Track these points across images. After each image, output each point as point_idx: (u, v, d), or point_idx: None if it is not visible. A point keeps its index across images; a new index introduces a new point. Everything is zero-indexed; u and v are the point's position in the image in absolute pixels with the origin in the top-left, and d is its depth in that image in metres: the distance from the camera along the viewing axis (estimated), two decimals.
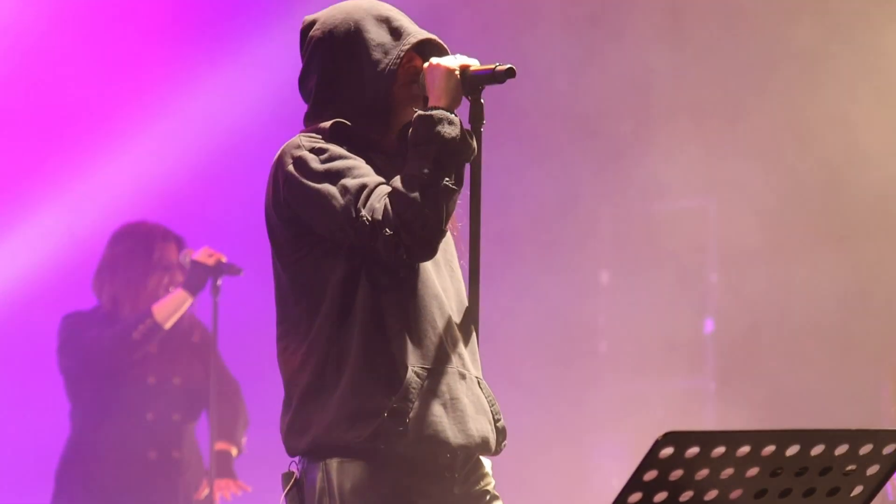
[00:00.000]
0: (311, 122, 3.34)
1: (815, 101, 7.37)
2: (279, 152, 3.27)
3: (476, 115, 3.26)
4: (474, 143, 3.18)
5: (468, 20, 7.61)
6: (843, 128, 7.31)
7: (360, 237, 3.12)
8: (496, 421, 3.33)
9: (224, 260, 5.89)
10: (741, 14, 7.63)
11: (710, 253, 7.95)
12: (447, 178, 3.11)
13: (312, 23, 3.39)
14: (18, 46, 7.43)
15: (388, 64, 3.28)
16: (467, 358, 3.30)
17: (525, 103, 7.54)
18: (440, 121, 3.13)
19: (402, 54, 3.29)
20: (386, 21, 3.33)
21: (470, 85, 3.24)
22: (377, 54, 3.29)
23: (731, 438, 2.54)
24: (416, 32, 3.33)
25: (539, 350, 7.84)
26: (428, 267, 3.27)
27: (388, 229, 3.08)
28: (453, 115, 3.15)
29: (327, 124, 3.28)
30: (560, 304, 7.83)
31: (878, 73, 7.30)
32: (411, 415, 3.17)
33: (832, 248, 7.40)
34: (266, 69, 7.63)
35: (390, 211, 3.09)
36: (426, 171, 3.10)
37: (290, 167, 3.21)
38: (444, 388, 3.22)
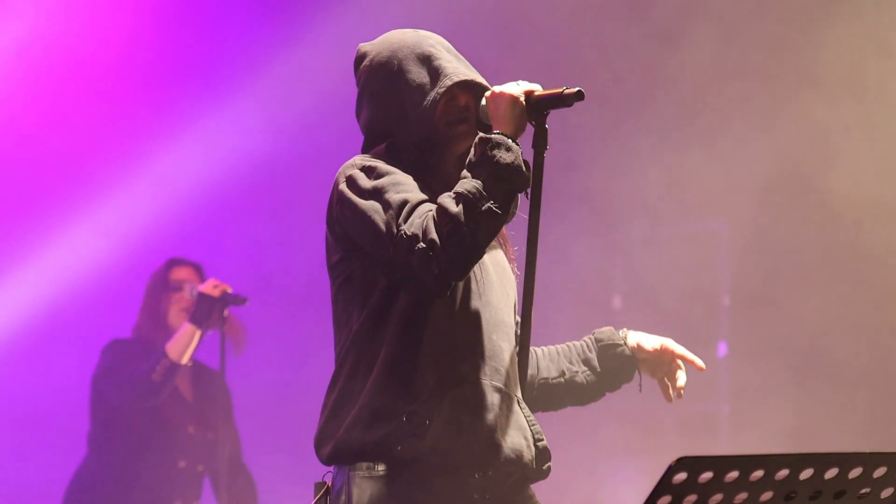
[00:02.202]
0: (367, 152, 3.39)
1: (830, 122, 7.37)
2: (337, 172, 3.30)
3: (540, 140, 3.23)
4: (529, 174, 3.16)
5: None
6: (857, 153, 7.31)
7: (398, 252, 3.11)
8: (537, 441, 3.29)
9: (229, 291, 5.98)
10: (745, 36, 7.64)
11: (722, 276, 7.94)
12: (492, 202, 3.08)
13: (363, 56, 3.42)
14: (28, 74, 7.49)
15: (426, 106, 3.29)
16: (509, 376, 3.28)
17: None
18: (497, 145, 3.11)
19: (438, 97, 3.28)
20: (427, 60, 3.33)
21: (535, 110, 3.21)
22: (417, 96, 3.30)
23: (745, 463, 2.53)
24: (452, 73, 3.31)
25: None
26: (480, 281, 3.27)
27: (422, 243, 3.06)
28: (512, 143, 3.13)
29: (382, 146, 3.32)
30: (572, 329, 7.81)
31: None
32: (432, 420, 3.16)
33: (846, 272, 7.39)
34: (270, 105, 7.69)
35: (429, 226, 3.07)
36: (473, 190, 3.08)
37: (342, 185, 3.25)
38: (473, 399, 3.21)
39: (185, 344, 5.93)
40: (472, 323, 3.25)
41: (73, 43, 7.56)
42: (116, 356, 5.98)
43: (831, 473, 2.60)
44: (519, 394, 3.30)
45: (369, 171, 3.23)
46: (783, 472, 2.56)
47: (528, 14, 7.83)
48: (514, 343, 3.33)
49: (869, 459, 2.63)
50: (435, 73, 3.31)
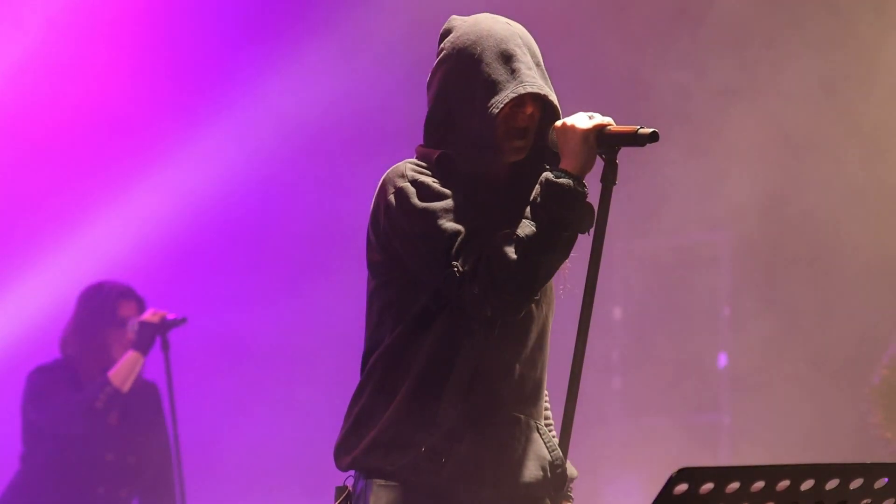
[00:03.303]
0: (426, 136, 3.29)
1: (823, 129, 7.38)
2: (384, 176, 3.23)
3: (609, 176, 3.16)
4: (592, 217, 3.12)
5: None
6: (850, 163, 7.32)
7: (450, 287, 3.08)
8: (556, 467, 3.27)
9: (167, 316, 6.06)
10: (739, 51, 7.65)
11: (722, 287, 7.94)
12: (552, 250, 3.05)
13: (450, 30, 3.32)
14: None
15: (492, 106, 3.18)
16: (530, 404, 3.27)
17: None
18: (565, 191, 3.07)
19: (507, 100, 3.18)
20: (509, 59, 3.22)
21: (607, 145, 3.15)
22: (488, 93, 3.20)
23: (746, 474, 2.53)
24: (526, 81, 3.21)
25: (552, 386, 7.82)
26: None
27: (476, 287, 3.03)
28: (580, 188, 3.08)
29: (434, 155, 3.24)
30: (573, 340, 7.81)
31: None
32: (450, 454, 3.15)
33: (845, 282, 7.39)
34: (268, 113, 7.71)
35: (484, 268, 3.03)
36: (533, 236, 3.04)
37: (391, 196, 3.18)
38: (493, 433, 3.20)
39: (128, 371, 6.02)
40: (498, 353, 3.21)
41: (78, 54, 7.58)
42: (43, 383, 6.02)
43: (832, 484, 2.59)
44: (541, 421, 3.29)
45: (421, 189, 3.16)
46: (784, 483, 2.56)
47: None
48: (540, 367, 3.31)
49: (870, 470, 2.62)
50: (511, 75, 3.21)
